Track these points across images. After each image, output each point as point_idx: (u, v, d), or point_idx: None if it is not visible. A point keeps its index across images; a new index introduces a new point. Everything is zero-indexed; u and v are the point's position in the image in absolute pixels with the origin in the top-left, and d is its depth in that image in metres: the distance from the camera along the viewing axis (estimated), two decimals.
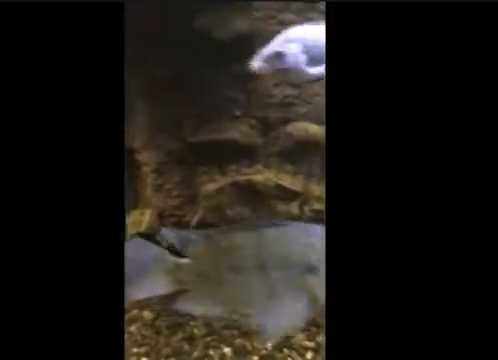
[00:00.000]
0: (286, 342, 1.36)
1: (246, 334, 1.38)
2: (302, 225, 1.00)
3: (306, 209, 1.75)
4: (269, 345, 1.33)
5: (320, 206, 1.74)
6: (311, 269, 0.92)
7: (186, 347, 1.26)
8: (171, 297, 0.91)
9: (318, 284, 0.90)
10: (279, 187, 1.73)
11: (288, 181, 1.79)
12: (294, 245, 0.93)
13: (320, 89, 1.75)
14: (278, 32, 1.35)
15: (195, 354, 1.25)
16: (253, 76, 1.72)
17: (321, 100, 1.73)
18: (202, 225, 1.69)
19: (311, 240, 0.94)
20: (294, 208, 1.74)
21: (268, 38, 1.44)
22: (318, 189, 1.80)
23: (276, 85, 1.76)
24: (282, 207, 1.74)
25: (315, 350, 1.33)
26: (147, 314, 1.46)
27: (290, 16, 1.80)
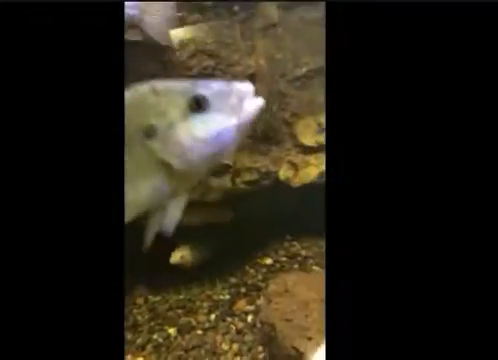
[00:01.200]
0: (229, 310, 1.43)
1: (191, 311, 1.42)
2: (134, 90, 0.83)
3: (238, 181, 1.76)
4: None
5: (251, 177, 1.75)
6: (150, 133, 0.79)
7: (129, 336, 1.27)
8: None
9: (162, 148, 0.79)
10: None
11: None
12: (129, 114, 0.78)
13: (238, 58, 1.69)
14: None
15: (138, 341, 1.27)
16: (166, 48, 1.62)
17: (239, 69, 1.68)
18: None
19: (146, 101, 0.81)
20: (226, 181, 1.74)
21: None
22: (249, 160, 1.80)
23: (192, 56, 1.66)
24: (214, 181, 1.73)
25: (255, 312, 1.40)
26: None
27: None
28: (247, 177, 1.77)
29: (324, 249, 1.87)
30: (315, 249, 1.88)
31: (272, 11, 1.75)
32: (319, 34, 1.71)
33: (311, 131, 1.74)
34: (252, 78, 1.72)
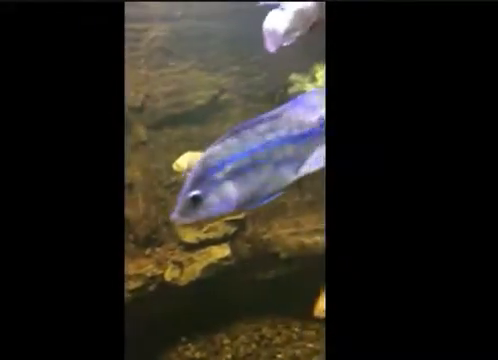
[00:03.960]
0: None
1: None
2: None
3: None
4: None
5: (136, 284, 1.62)
6: None
7: None
8: None
9: None
10: None
11: None
12: None
13: None
14: None
15: None
16: None
17: None
18: None
19: None
20: None
21: None
22: (133, 266, 1.71)
23: None
24: None
25: None
26: None
27: None
28: (132, 285, 1.71)
29: (217, 346, 1.84)
30: (210, 348, 1.82)
31: (141, 131, 1.97)
32: (185, 149, 1.99)
33: (190, 229, 1.86)
34: (131, 187, 1.82)
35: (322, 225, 1.82)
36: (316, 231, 1.80)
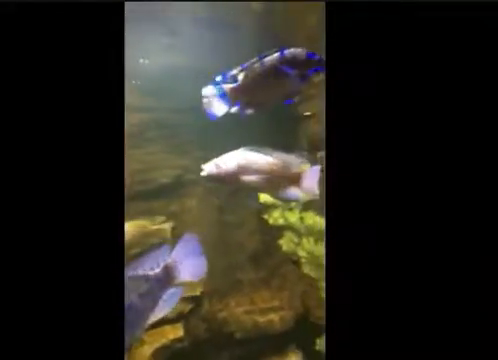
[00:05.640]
0: None
1: None
2: None
3: None
4: None
5: None
6: None
7: None
8: None
9: None
10: None
11: None
12: None
13: None
14: None
15: None
16: None
17: None
18: None
19: None
20: None
21: None
22: None
23: None
24: None
25: None
26: None
27: None
28: None
29: None
30: None
31: None
32: (144, 223, 2.04)
33: None
34: None
35: (275, 303, 1.86)
36: (270, 309, 1.83)
